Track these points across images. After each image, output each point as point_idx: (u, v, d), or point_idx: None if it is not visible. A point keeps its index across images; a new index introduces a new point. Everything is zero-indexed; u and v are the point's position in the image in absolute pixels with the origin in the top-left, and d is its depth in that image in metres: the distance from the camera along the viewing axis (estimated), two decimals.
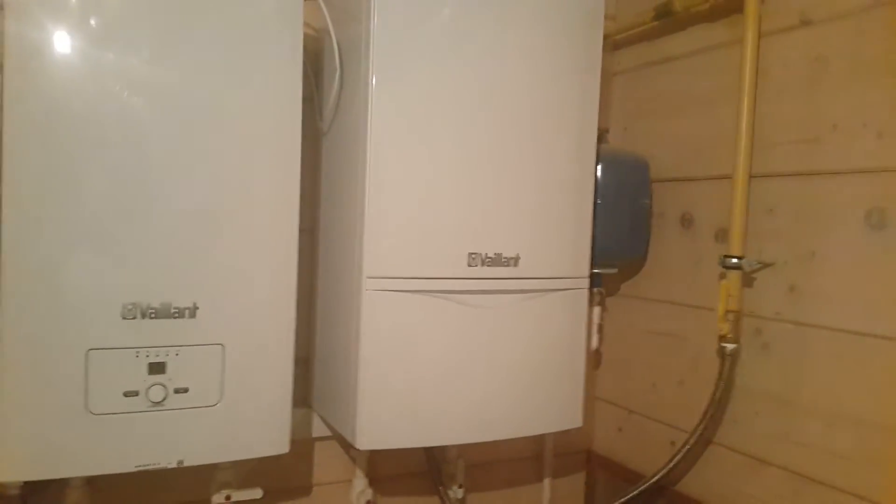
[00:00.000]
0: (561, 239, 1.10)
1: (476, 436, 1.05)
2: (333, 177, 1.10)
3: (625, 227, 1.27)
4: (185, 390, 0.89)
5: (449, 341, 1.02)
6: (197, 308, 0.89)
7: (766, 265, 1.11)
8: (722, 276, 1.17)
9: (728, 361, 1.11)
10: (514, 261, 1.06)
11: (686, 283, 1.28)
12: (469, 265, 1.03)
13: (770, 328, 1.11)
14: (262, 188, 0.94)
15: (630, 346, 1.39)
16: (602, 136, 1.42)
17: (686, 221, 1.29)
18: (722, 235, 1.21)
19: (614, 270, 1.30)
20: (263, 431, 0.95)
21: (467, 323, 1.03)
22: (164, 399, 0.88)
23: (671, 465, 1.18)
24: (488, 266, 1.04)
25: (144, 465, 0.88)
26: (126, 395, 0.86)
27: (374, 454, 1.24)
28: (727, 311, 1.10)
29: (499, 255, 1.05)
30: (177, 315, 0.88)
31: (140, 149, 0.86)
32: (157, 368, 0.87)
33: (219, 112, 0.90)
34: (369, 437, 0.99)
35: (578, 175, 1.12)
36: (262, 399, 0.95)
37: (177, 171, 0.88)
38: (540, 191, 1.08)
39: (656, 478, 1.20)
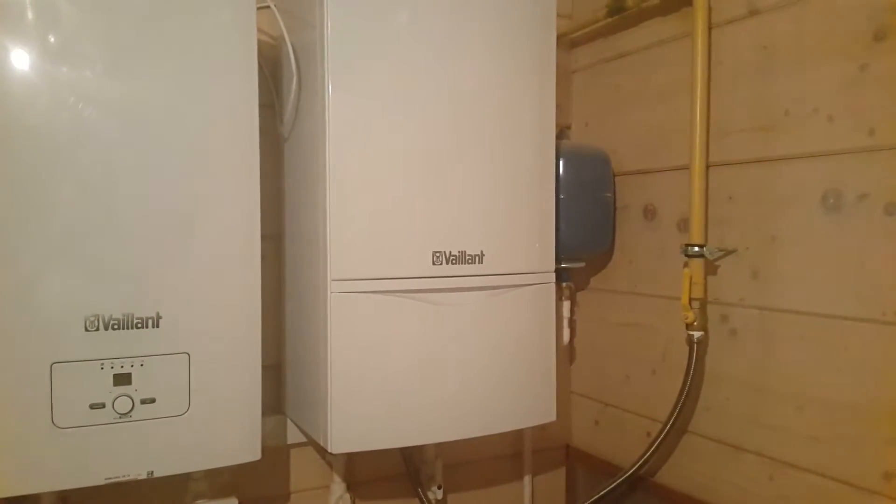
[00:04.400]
0: (525, 234, 1.12)
1: (450, 434, 1.05)
2: (296, 182, 1.11)
3: (589, 220, 1.28)
4: (152, 400, 0.89)
5: (418, 340, 1.03)
6: (160, 317, 0.89)
7: (728, 252, 1.12)
8: (685, 265, 1.19)
9: (696, 349, 1.12)
10: (479, 258, 1.07)
11: (652, 273, 1.30)
12: (434, 263, 1.03)
13: (735, 314, 1.13)
14: (222, 195, 0.94)
15: (602, 339, 1.41)
16: (564, 133, 1.45)
17: (649, 213, 1.30)
18: (684, 225, 1.23)
19: (582, 265, 1.31)
20: (234, 439, 0.95)
21: (435, 322, 1.04)
22: (130, 410, 0.88)
23: (646, 456, 1.19)
24: (453, 264, 1.05)
25: (114, 478, 0.87)
26: (92, 407, 0.86)
27: (351, 458, 1.24)
28: (691, 299, 1.11)
29: (463, 253, 1.05)
30: (140, 325, 0.88)
31: (98, 161, 0.86)
32: (122, 379, 0.87)
33: (176, 121, 0.91)
34: (342, 440, 0.99)
35: (539, 170, 1.14)
36: (230, 406, 0.95)
37: (136, 182, 0.88)
38: (502, 187, 1.09)
39: (632, 470, 1.21)
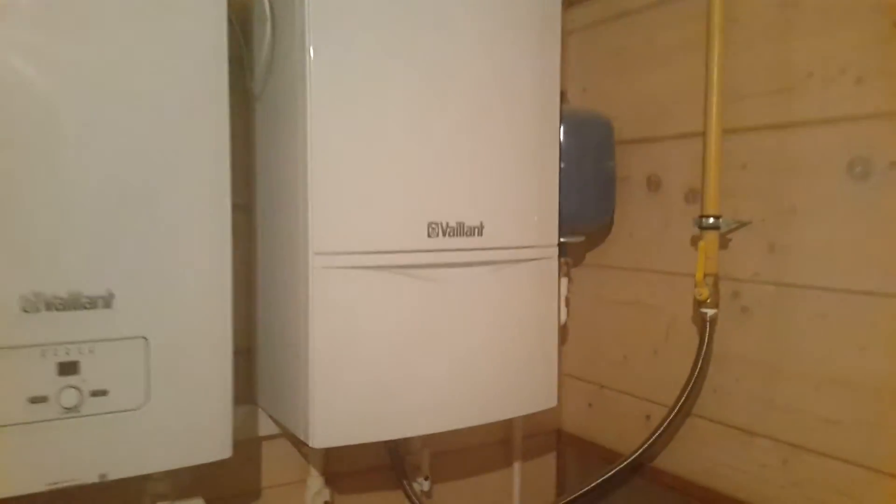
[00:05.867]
0: (527, 204, 1.01)
1: (444, 424, 0.95)
2: (270, 145, 0.98)
3: (591, 191, 1.18)
4: (104, 392, 0.76)
5: (410, 321, 0.92)
6: (113, 296, 0.76)
7: (742, 224, 1.04)
8: (696, 239, 1.10)
9: (708, 328, 1.04)
10: (478, 230, 0.96)
11: (655, 248, 1.21)
12: (429, 236, 0.92)
13: (748, 290, 1.05)
14: (186, 158, 0.81)
15: (598, 318, 1.31)
16: (561, 98, 1.33)
17: (653, 184, 1.21)
18: (692, 196, 1.14)
19: (581, 239, 1.21)
20: (200, 435, 0.83)
21: (429, 300, 0.93)
22: (78, 404, 0.75)
23: (651, 440, 1.11)
24: (450, 237, 0.94)
25: (59, 483, 0.75)
26: (33, 401, 0.73)
27: (329, 450, 1.13)
28: (706, 275, 1.03)
29: (461, 225, 0.94)
30: (89, 305, 0.75)
31: (37, 121, 0.72)
32: (68, 369, 0.74)
33: (131, 76, 0.77)
34: (324, 433, 0.88)
35: (542, 136, 1.03)
36: (196, 398, 0.82)
37: (83, 144, 0.74)
38: (502, 153, 0.98)
39: (635, 455, 1.13)
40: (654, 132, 1.21)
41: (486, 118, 0.96)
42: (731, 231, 1.05)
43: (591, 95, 1.33)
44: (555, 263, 1.05)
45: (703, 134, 1.05)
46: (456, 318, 0.95)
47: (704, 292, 1.01)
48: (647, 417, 1.22)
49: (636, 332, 1.24)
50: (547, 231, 1.04)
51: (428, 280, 0.92)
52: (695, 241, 1.13)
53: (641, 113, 1.23)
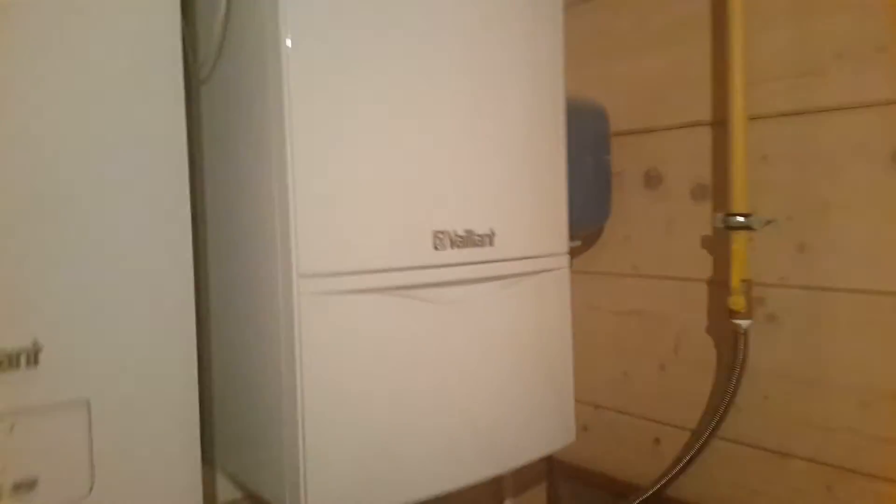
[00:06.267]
0: (538, 208, 0.86)
1: (464, 477, 0.78)
2: (224, 139, 0.78)
3: (588, 189, 1.05)
4: (33, 483, 0.55)
5: (417, 354, 0.75)
6: (39, 349, 0.55)
7: (767, 222, 0.94)
8: (710, 241, 1.00)
9: (744, 341, 0.92)
10: (489, 239, 0.80)
11: (658, 251, 1.09)
12: (436, 248, 0.76)
13: (775, 296, 0.94)
14: (126, 163, 0.61)
15: (593, 332, 1.18)
16: None
17: (652, 179, 1.09)
18: (700, 192, 1.03)
19: (578, 243, 1.08)
20: None
21: (438, 327, 0.76)
22: None
23: (681, 466, 0.98)
24: (458, 248, 0.77)
25: None
26: None
27: None
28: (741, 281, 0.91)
29: (470, 233, 0.78)
30: (9, 363, 0.53)
31: None
32: None
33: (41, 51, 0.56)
34: (317, 500, 0.70)
35: (549, 132, 0.89)
36: (156, 475, 0.62)
37: None
38: (510, 153, 0.83)
39: (661, 483, 1.00)
40: (652, 122, 1.09)
41: (491, 113, 0.81)
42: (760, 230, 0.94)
43: (576, 83, 1.19)
44: (567, 274, 0.91)
45: (724, 122, 0.94)
46: (468, 347, 0.79)
47: (740, 301, 0.89)
48: (657, 441, 1.10)
49: (638, 346, 1.12)
50: (558, 237, 0.89)
51: (436, 303, 0.75)
52: (707, 243, 1.02)
53: (636, 101, 1.11)
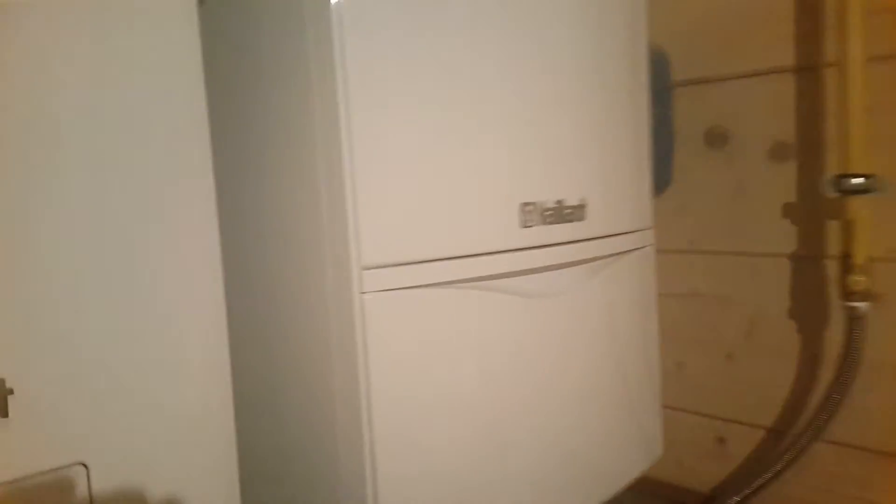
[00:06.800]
0: (625, 173, 0.69)
1: None
2: (235, 86, 0.56)
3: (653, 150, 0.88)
4: None
5: (501, 363, 0.56)
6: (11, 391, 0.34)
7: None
8: (795, 208, 0.85)
9: (860, 327, 0.77)
10: (580, 212, 0.62)
11: (722, 223, 0.93)
12: (524, 225, 0.57)
13: (882, 272, 0.80)
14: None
15: None
16: None
17: (716, 138, 0.93)
18: (781, 151, 0.87)
19: None
20: None
21: (524, 325, 0.58)
22: None
23: (777, 468, 0.83)
24: (549, 223, 0.59)
25: None
26: None
27: None
28: (847, 256, 0.76)
29: (560, 205, 0.60)
30: None
31: None
32: None
33: None
34: None
35: (631, 83, 0.71)
36: None
37: None
38: (598, 108, 0.65)
39: (751, 489, 0.85)
40: (716, 70, 0.92)
41: (572, 64, 0.63)
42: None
43: None
44: (653, 254, 0.74)
45: (814, 68, 0.79)
46: (556, 350, 0.61)
47: (861, 281, 0.74)
48: (721, 441, 0.95)
49: (697, 333, 0.97)
50: (644, 209, 0.72)
51: (522, 295, 0.57)
52: (792, 211, 0.87)
53: (696, 45, 0.93)
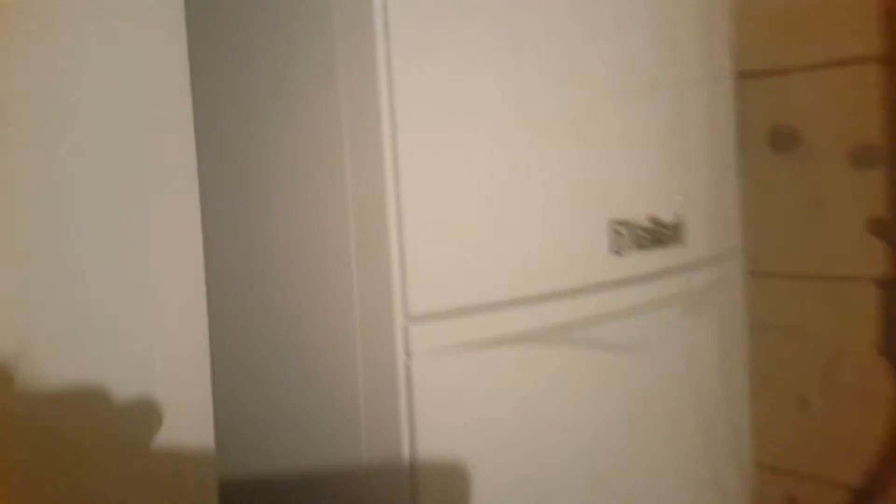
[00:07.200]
0: (718, 183, 0.54)
1: None
2: (235, 85, 0.41)
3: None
4: None
5: (584, 444, 0.41)
6: None
7: None
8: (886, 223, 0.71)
9: None
10: (678, 233, 0.47)
11: (793, 239, 0.79)
12: (613, 251, 0.41)
13: None
14: None
15: None
16: None
17: (783, 140, 0.79)
18: (865, 156, 0.74)
19: None
20: None
21: (612, 391, 0.42)
22: None
23: None
24: (642, 249, 0.43)
25: None
26: None
27: None
28: None
29: (655, 223, 0.45)
30: None
31: None
32: None
33: None
34: None
35: (714, 77, 0.57)
36: None
37: None
38: (686, 114, 0.51)
39: None
40: (782, 61, 0.79)
41: (659, 62, 0.49)
42: None
43: None
44: (740, 281, 0.59)
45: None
46: (652, 419, 0.45)
47: None
48: (791, 501, 0.81)
49: (764, 371, 0.83)
50: (732, 227, 0.58)
51: (613, 350, 0.41)
52: (879, 226, 0.73)
53: (756, 32, 0.81)
